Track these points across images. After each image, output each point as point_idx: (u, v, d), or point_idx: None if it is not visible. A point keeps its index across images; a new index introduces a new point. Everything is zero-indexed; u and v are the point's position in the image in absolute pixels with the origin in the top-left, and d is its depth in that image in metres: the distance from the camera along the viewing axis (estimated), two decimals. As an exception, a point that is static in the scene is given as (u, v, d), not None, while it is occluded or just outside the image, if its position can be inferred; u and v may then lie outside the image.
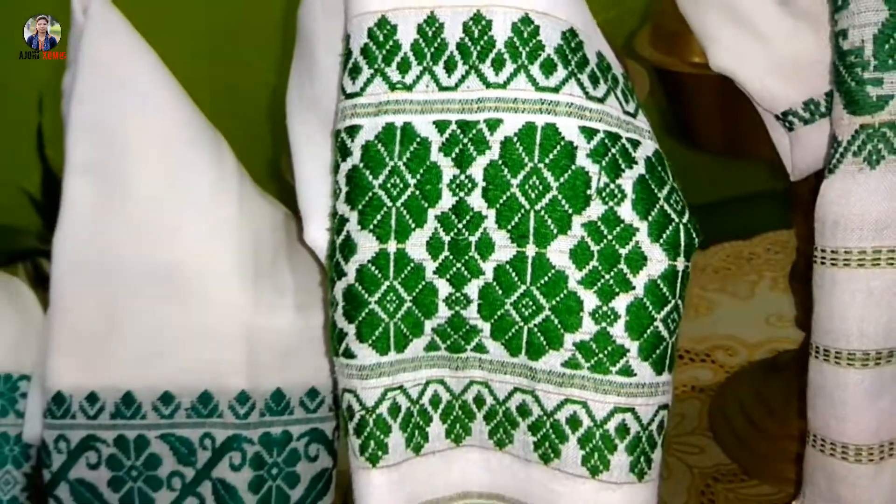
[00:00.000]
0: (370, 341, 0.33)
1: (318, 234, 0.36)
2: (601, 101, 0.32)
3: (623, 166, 0.31)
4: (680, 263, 0.31)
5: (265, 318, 0.40)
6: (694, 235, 0.32)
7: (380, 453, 0.34)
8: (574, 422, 0.33)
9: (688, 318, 0.73)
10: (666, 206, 0.31)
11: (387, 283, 0.33)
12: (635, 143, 0.32)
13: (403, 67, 0.32)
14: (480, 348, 0.34)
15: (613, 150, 0.31)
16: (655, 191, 0.31)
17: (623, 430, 0.32)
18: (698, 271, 0.80)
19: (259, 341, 0.40)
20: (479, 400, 0.35)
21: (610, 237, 0.31)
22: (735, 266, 0.78)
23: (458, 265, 0.33)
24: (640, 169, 0.32)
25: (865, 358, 0.34)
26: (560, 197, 0.31)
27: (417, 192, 0.33)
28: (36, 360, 0.44)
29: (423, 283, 0.33)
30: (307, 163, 0.38)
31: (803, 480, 0.39)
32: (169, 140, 0.40)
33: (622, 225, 0.31)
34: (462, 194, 0.32)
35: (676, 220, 0.31)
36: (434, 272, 0.33)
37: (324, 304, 0.42)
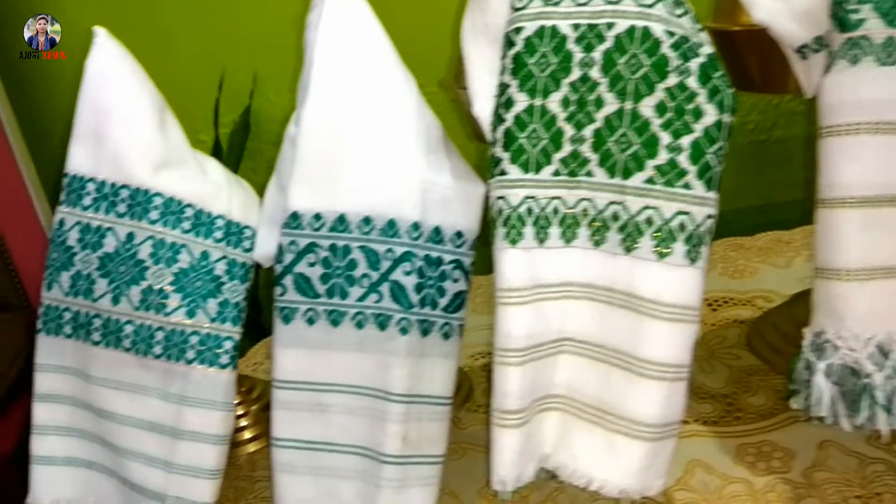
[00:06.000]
0: (518, 163, 0.51)
1: (482, 108, 0.55)
2: (679, 17, 0.50)
3: (689, 56, 0.49)
4: (725, 118, 0.49)
5: (433, 175, 0.57)
6: (734, 100, 0.49)
7: (517, 238, 0.51)
8: (649, 221, 0.49)
9: (734, 279, 0.89)
10: (717, 82, 0.49)
11: (532, 126, 0.51)
12: (700, 45, 0.50)
13: (554, -8, 0.52)
14: (589, 174, 0.51)
15: (685, 46, 0.49)
16: (710, 72, 0.49)
17: (682, 227, 0.49)
18: (745, 250, 0.95)
19: (428, 190, 0.57)
20: (584, 212, 0.52)
21: (680, 98, 0.49)
22: (776, 247, 0.93)
23: (580, 115, 0.51)
24: (701, 59, 0.49)
25: (853, 201, 0.50)
26: (649, 72, 0.49)
27: (557, 68, 0.51)
28: (255, 219, 0.64)
29: (555, 127, 0.51)
30: (478, 66, 0.56)
31: (812, 311, 0.54)
32: (381, 71, 0.59)
33: (688, 91, 0.49)
34: (586, 69, 0.51)
35: (724, 89, 0.49)
36: (563, 120, 0.51)
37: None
